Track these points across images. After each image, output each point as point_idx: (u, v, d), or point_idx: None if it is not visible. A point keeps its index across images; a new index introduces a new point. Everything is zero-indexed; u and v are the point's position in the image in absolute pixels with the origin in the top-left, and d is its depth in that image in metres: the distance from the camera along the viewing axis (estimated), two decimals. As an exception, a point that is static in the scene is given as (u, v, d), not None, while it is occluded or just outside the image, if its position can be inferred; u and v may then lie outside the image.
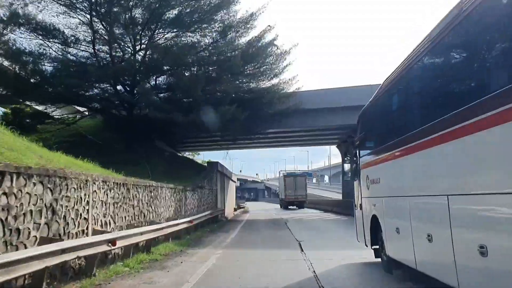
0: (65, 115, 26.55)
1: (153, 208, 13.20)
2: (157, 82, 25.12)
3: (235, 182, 42.30)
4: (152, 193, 13.16)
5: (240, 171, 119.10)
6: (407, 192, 6.17)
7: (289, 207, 45.27)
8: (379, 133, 8.10)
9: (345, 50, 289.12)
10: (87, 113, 31.79)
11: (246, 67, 24.82)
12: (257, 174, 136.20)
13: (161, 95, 25.89)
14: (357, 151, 9.64)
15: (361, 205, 9.14)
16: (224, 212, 29.37)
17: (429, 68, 5.81)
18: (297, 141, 37.54)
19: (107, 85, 25.55)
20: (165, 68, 23.70)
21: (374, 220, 7.95)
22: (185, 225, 14.50)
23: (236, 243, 14.37)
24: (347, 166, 12.87)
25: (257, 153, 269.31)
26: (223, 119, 21.06)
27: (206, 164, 29.13)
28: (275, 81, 25.99)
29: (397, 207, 6.63)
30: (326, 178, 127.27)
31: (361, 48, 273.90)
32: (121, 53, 25.00)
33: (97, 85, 25.23)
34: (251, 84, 25.73)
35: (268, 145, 41.68)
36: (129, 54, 24.05)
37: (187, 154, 43.77)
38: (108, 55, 24.84)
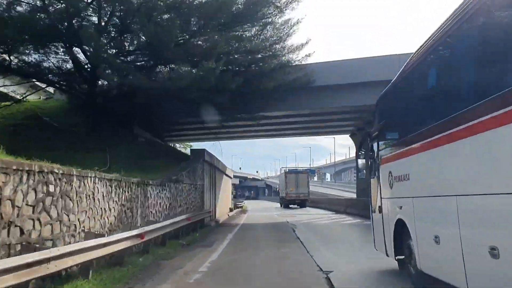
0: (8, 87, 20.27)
1: (55, 214, 6.82)
2: (125, 45, 18.61)
3: (231, 177, 35.91)
4: (52, 188, 6.77)
5: (240, 168, 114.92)
6: (455, 190, 4.50)
7: (290, 206, 41.29)
8: (408, 119, 6.34)
9: (347, 3, 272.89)
10: (52, 91, 25.73)
11: (241, 27, 18.41)
12: (257, 172, 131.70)
13: (133, 65, 19.50)
14: (375, 144, 7.96)
15: (380, 207, 7.43)
16: (215, 214, 23.02)
17: (488, 26, 4.20)
18: (303, 128, 30.98)
19: (62, 50, 19.25)
20: (131, 24, 17.17)
21: (400, 225, 6.32)
22: (126, 244, 8.10)
23: (215, 278, 7.97)
24: (361, 161, 10.20)
25: (257, 151, 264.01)
26: (206, 85, 14.60)
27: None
28: (279, 46, 19.54)
29: (437, 209, 4.97)
30: (328, 176, 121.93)
31: (364, 2, 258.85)
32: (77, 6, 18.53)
33: (48, 48, 18.90)
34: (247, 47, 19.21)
35: (269, 134, 35.04)
36: (85, 3, 17.55)
37: (178, 147, 37.53)
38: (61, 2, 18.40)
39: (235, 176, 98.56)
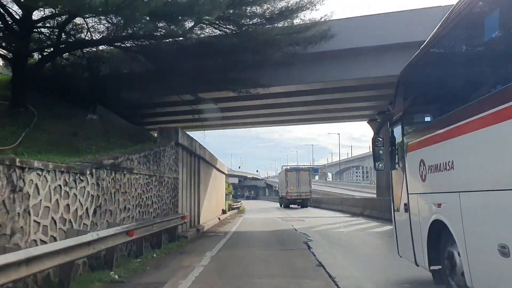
0: None
1: None
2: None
3: (224, 173, 29.75)
4: None
5: (239, 167, 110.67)
6: None
7: (290, 206, 37.72)
8: (449, 90, 4.76)
9: None
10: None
11: None
12: (257, 171, 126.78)
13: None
14: (399, 127, 6.31)
15: (406, 205, 5.90)
16: (198, 219, 16.94)
17: None
18: (312, 113, 24.52)
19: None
20: None
21: (437, 228, 4.86)
22: None
23: None
24: (379, 150, 7.33)
25: (257, 151, 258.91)
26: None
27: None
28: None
29: (507, 208, 3.45)
30: (329, 175, 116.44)
31: None
32: None
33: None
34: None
35: (269, 122, 28.57)
36: None
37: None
38: None
39: (234, 175, 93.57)
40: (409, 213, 5.85)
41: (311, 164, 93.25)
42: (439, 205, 4.83)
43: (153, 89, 19.55)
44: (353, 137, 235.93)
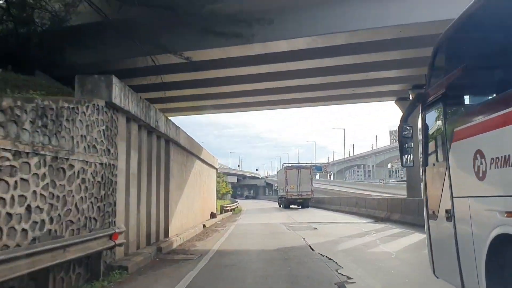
0: None
1: None
2: None
3: (215, 168, 24.00)
4: None
5: (238, 165, 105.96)
6: None
7: (290, 206, 34.75)
8: None
9: None
10: None
11: None
12: (256, 170, 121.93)
13: None
14: (439, 109, 4.60)
15: (450, 211, 4.26)
16: (166, 230, 11.28)
17: None
18: (328, 87, 18.79)
19: None
20: None
21: (503, 245, 3.36)
22: None
23: None
24: (406, 140, 5.37)
25: (257, 151, 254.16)
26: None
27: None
28: None
29: None
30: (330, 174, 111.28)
31: None
32: None
33: None
34: None
35: (271, 102, 22.51)
36: None
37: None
38: None
39: (232, 174, 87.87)
40: (453, 222, 4.23)
41: (313, 162, 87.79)
42: (509, 214, 3.33)
43: (110, 48, 14.15)
44: (354, 136, 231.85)
